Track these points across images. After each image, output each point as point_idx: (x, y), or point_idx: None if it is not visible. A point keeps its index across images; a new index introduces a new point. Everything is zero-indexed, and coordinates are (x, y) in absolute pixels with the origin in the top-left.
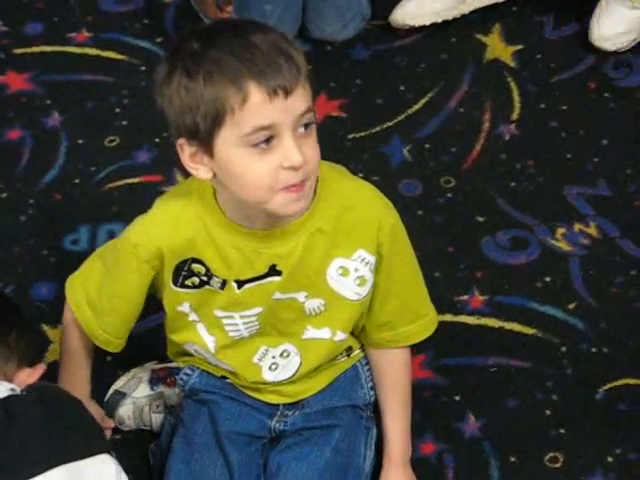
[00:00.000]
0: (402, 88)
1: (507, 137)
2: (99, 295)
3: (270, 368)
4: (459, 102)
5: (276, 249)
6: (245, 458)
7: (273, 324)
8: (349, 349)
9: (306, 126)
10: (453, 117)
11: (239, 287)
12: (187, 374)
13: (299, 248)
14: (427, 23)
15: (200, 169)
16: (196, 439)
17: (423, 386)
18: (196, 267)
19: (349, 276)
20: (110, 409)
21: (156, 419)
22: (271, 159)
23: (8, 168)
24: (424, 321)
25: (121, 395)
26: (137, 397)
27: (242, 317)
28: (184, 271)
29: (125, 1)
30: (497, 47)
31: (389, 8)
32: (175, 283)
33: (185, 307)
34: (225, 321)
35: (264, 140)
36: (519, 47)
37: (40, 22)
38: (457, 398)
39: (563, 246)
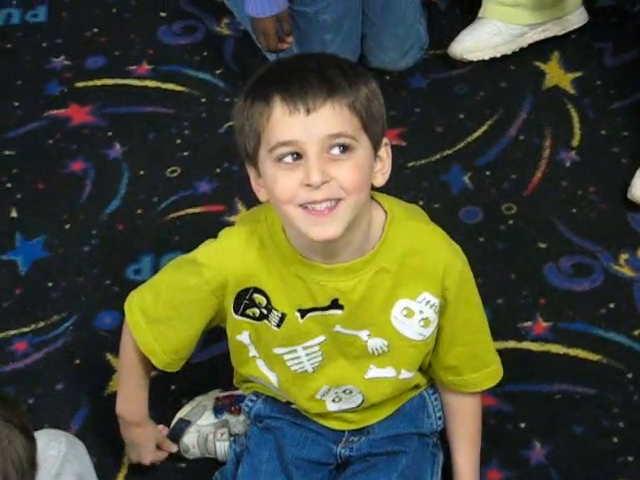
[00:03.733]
0: (461, 116)
1: (568, 163)
2: (155, 302)
3: (334, 401)
4: (519, 129)
5: (338, 284)
6: None
7: (336, 357)
8: (416, 386)
9: (342, 149)
10: (513, 144)
11: (302, 316)
12: (252, 400)
13: (362, 285)
14: (486, 58)
15: (260, 191)
16: (262, 466)
17: (488, 413)
18: (257, 297)
19: (413, 317)
20: (175, 437)
21: (221, 447)
22: (294, 175)
23: (71, 199)
24: (490, 370)
25: (186, 423)
26: (202, 425)
27: (305, 348)
28: (246, 299)
29: (185, 34)
30: (556, 74)
31: (447, 37)
32: (236, 311)
33: (245, 337)
34: (287, 357)
35: (288, 155)
36: (578, 74)
37: (102, 56)
38: (522, 425)
39: (627, 272)
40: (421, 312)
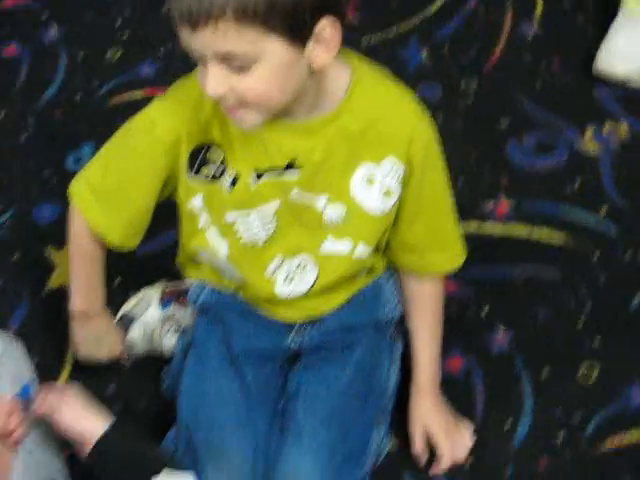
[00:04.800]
0: None
1: (530, 36)
2: (104, 174)
3: (285, 280)
4: (478, 1)
5: (297, 142)
6: (262, 378)
7: (292, 225)
8: (371, 269)
9: (237, 65)
10: (472, 17)
11: (258, 177)
12: (198, 290)
13: (322, 145)
14: None
15: None
16: (210, 359)
17: (449, 299)
18: (213, 154)
19: (374, 185)
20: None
21: (167, 342)
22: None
23: (6, 86)
24: (452, 253)
25: (129, 319)
26: (147, 321)
27: (259, 213)
28: (200, 157)
29: None
30: None
31: None
32: (190, 169)
33: (197, 201)
34: (239, 222)
35: (198, 58)
36: None
37: None
38: (485, 310)
39: (593, 147)
40: (383, 178)
